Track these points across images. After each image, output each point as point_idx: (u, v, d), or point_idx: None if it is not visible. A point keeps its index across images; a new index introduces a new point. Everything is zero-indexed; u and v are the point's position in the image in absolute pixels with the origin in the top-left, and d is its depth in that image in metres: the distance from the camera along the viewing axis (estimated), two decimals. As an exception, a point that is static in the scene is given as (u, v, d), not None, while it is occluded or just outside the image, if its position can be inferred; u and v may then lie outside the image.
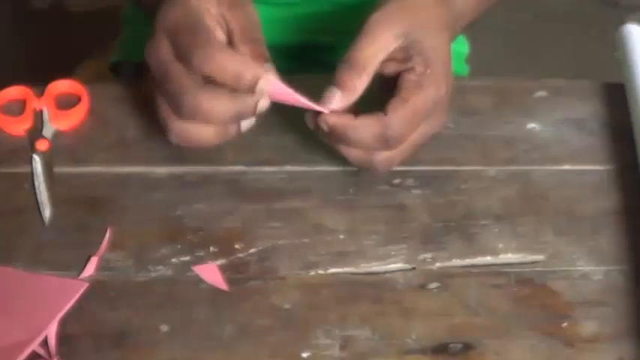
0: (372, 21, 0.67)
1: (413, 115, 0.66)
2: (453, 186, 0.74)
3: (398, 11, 0.67)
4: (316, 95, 0.67)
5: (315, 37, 0.93)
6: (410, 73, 0.66)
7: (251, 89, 0.64)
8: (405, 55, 0.67)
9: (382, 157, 0.68)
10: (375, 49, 0.66)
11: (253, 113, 0.66)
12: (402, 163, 0.70)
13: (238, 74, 0.63)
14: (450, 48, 0.69)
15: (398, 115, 0.65)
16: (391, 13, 0.67)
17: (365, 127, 0.65)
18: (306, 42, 0.94)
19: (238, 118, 0.66)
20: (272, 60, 0.67)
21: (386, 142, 0.66)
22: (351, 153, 0.68)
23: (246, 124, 0.67)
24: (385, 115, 0.65)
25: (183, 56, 0.64)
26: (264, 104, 0.65)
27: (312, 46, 0.93)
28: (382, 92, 0.68)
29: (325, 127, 0.66)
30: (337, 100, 0.66)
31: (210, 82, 0.64)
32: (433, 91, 0.67)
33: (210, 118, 0.65)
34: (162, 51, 0.66)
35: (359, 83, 0.66)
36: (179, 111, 0.65)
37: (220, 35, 0.67)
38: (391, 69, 0.68)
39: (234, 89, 0.64)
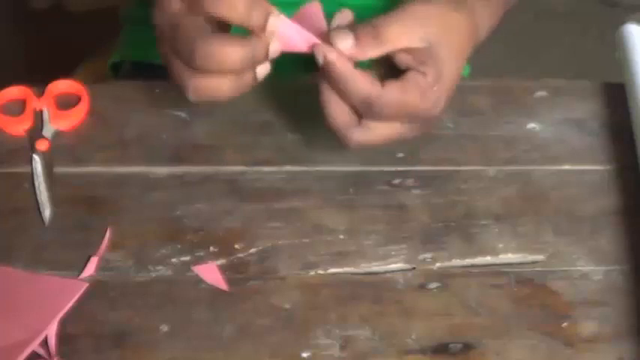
0: (411, 10, 0.66)
1: (404, 107, 0.66)
2: (453, 186, 0.74)
3: (436, 17, 0.67)
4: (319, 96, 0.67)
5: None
6: (420, 76, 0.66)
7: (261, 27, 0.63)
8: (421, 57, 0.66)
9: (357, 135, 0.67)
10: (400, 33, 0.66)
11: (266, 57, 0.65)
12: (368, 148, 0.69)
13: (248, 11, 0.63)
14: (461, 72, 0.69)
15: (392, 95, 0.65)
16: (430, 14, 0.67)
17: (359, 82, 0.64)
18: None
19: (251, 62, 0.64)
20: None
21: (369, 107, 0.65)
22: (335, 111, 0.66)
23: (262, 70, 0.66)
24: (383, 86, 0.65)
25: (193, 6, 0.64)
26: (275, 47, 0.65)
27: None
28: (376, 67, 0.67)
29: (322, 59, 0.65)
30: (346, 43, 0.65)
31: (221, 28, 0.64)
32: (429, 107, 0.66)
33: (223, 65, 0.64)
34: (172, 7, 0.65)
35: (371, 51, 0.65)
36: (192, 62, 0.64)
37: None
38: (404, 60, 0.66)
39: (246, 28, 0.64)
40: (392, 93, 0.65)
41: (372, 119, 0.66)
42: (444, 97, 0.67)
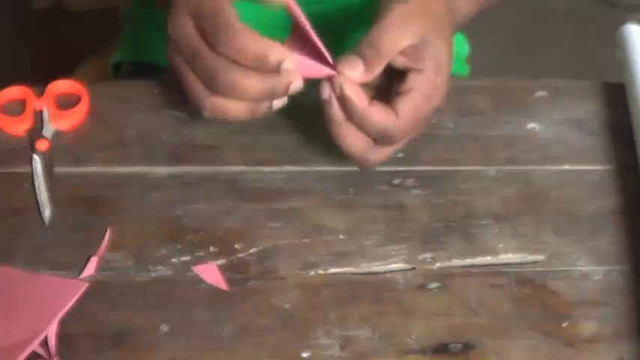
0: (394, 11, 0.67)
1: (417, 120, 0.68)
2: (453, 186, 0.74)
3: (418, 10, 0.68)
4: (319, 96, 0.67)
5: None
6: (422, 76, 0.67)
7: (275, 70, 0.64)
8: (415, 53, 0.67)
9: (377, 155, 0.69)
10: (395, 39, 0.67)
11: (285, 93, 0.66)
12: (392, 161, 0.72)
13: (261, 57, 0.64)
14: (452, 57, 0.70)
15: (406, 117, 0.67)
16: (412, 9, 0.68)
17: (377, 116, 0.66)
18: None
19: (271, 96, 0.66)
20: None
21: (388, 138, 0.67)
22: (351, 141, 0.68)
23: (278, 102, 0.68)
24: (396, 113, 0.66)
25: (208, 40, 0.65)
26: (297, 85, 0.66)
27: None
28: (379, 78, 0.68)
29: (338, 92, 0.66)
30: (358, 71, 0.66)
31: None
32: (437, 102, 0.68)
33: (244, 95, 0.65)
34: (188, 31, 0.66)
35: (378, 66, 0.67)
36: (215, 87, 0.65)
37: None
38: (400, 62, 0.68)
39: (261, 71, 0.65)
40: (406, 115, 0.67)
41: (393, 144, 0.69)
42: (445, 84, 0.69)
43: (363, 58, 0.66)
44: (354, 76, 0.66)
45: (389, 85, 0.69)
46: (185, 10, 0.66)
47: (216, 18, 0.64)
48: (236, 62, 0.64)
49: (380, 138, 0.68)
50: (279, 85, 0.65)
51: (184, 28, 0.66)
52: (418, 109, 0.67)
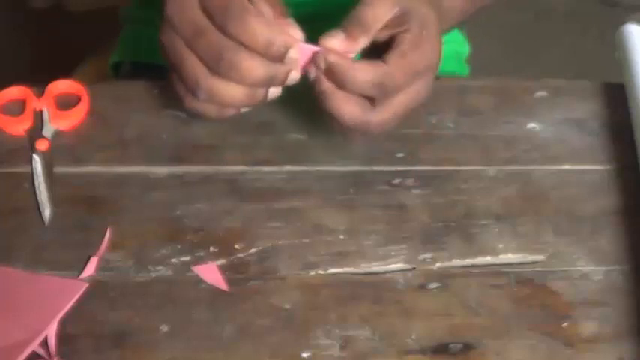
0: None
1: (410, 68, 0.67)
2: (453, 186, 0.74)
3: None
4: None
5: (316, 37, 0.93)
6: (407, 34, 0.67)
7: (281, 57, 0.65)
8: (398, 21, 0.68)
9: (378, 116, 0.68)
10: (379, 13, 0.67)
11: (284, 81, 0.67)
12: (391, 127, 0.70)
13: (269, 42, 0.64)
14: (437, 21, 0.70)
15: (397, 65, 0.66)
16: None
17: (364, 71, 0.66)
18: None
19: (270, 82, 0.66)
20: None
21: (384, 89, 0.66)
22: (347, 108, 0.67)
23: (274, 92, 0.68)
24: (385, 63, 0.66)
25: (216, 21, 0.65)
26: (295, 76, 0.67)
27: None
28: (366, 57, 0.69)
29: (323, 64, 0.66)
30: (337, 40, 0.67)
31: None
32: (429, 53, 0.68)
33: (246, 78, 0.65)
34: (194, 9, 0.66)
35: (362, 40, 0.67)
36: (217, 66, 0.65)
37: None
38: (385, 34, 0.68)
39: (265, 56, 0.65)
40: (396, 64, 0.66)
41: (387, 98, 0.67)
42: (435, 39, 0.69)
43: (345, 30, 0.67)
44: (335, 45, 0.66)
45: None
46: None
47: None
48: (243, 45, 0.64)
49: (375, 93, 0.66)
50: (281, 72, 0.66)
51: (188, 6, 0.66)
52: (408, 57, 0.66)
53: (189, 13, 0.66)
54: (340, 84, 0.66)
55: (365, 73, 0.66)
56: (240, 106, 0.68)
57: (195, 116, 0.76)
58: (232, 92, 0.66)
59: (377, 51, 0.68)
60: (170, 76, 0.69)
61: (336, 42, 0.67)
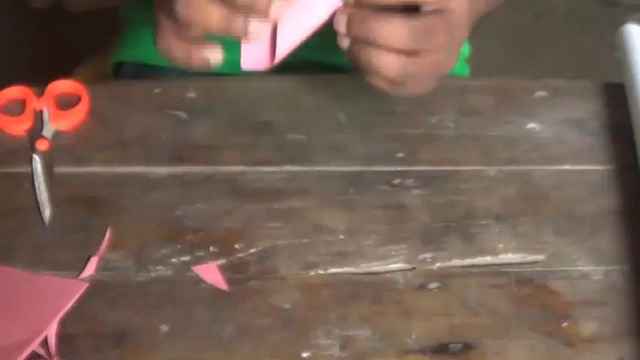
0: None
1: (439, 26, 0.65)
2: (453, 186, 0.74)
3: None
4: (319, 96, 0.67)
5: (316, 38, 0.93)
6: (443, 2, 0.66)
7: (265, 11, 0.63)
8: None
9: (414, 66, 0.66)
10: None
11: (266, 12, 0.63)
12: (393, 128, 0.70)
13: None
14: (467, 13, 0.69)
15: (436, 19, 0.65)
16: None
17: (400, 23, 0.64)
18: (306, 42, 0.93)
19: (250, 5, 0.63)
20: None
21: (423, 41, 0.65)
22: (383, 58, 0.65)
23: (255, 29, 0.64)
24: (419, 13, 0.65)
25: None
26: (278, 7, 0.63)
27: (312, 47, 0.93)
28: None
29: (351, 21, 0.64)
30: None
31: None
32: (457, 13, 0.66)
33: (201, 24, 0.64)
34: None
35: None
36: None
37: None
38: None
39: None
40: (434, 17, 0.65)
41: (427, 51, 0.66)
42: (466, 23, 0.68)
43: None
44: None
45: None
46: None
47: None
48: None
49: (413, 44, 0.65)
50: (238, 27, 0.63)
51: None
52: (444, 13, 0.65)
53: None
54: (371, 39, 0.65)
55: (401, 26, 0.64)
56: (214, 31, 0.64)
57: (195, 116, 0.76)
58: (209, 10, 0.63)
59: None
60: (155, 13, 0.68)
61: None
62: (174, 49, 0.68)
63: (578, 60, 1.92)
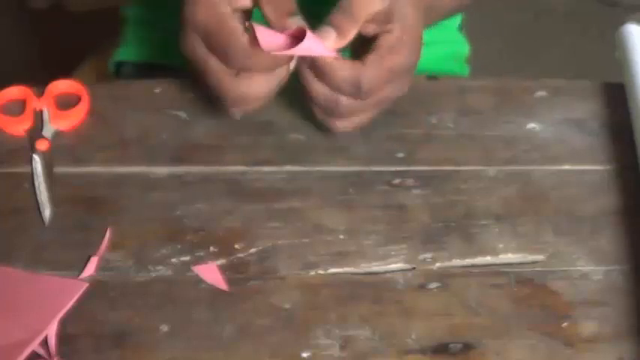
0: None
1: (385, 72, 0.69)
2: (453, 186, 0.74)
3: None
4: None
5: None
6: (388, 35, 0.69)
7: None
8: (385, 18, 0.69)
9: (347, 102, 0.70)
10: (367, 8, 0.69)
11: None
12: (364, 126, 0.72)
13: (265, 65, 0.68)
14: (421, 20, 0.72)
15: (374, 69, 0.68)
16: None
17: (343, 67, 0.68)
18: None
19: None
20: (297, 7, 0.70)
21: (357, 89, 0.68)
22: (320, 88, 0.69)
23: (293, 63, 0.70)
24: (363, 63, 0.68)
25: (219, 57, 0.68)
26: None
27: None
28: (353, 50, 0.71)
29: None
30: (332, 40, 0.68)
31: None
32: (405, 56, 0.70)
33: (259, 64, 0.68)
34: (198, 49, 0.69)
35: (352, 31, 0.69)
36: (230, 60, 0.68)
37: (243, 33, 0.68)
38: (371, 29, 0.70)
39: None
40: (373, 67, 0.69)
41: (364, 98, 0.69)
42: (414, 43, 0.71)
43: (336, 26, 0.68)
44: (330, 45, 0.68)
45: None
46: (192, 31, 0.69)
47: (223, 37, 0.67)
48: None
49: (351, 90, 0.68)
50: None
51: (194, 48, 0.69)
52: (385, 60, 0.69)
53: (194, 52, 0.69)
54: (320, 76, 0.69)
55: (343, 69, 0.68)
56: (272, 90, 0.70)
57: (195, 116, 0.76)
58: (256, 85, 0.69)
59: (363, 44, 0.70)
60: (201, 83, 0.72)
61: (329, 43, 0.68)
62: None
63: (578, 60, 1.92)
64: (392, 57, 0.69)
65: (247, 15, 0.71)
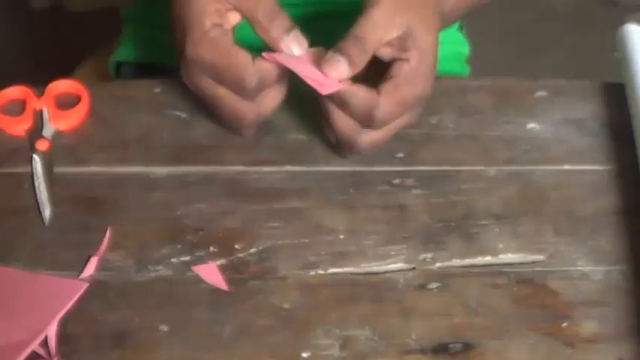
0: (379, 3, 0.68)
1: (401, 104, 0.69)
2: (453, 186, 0.74)
3: (404, 0, 0.69)
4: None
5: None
6: (405, 64, 0.69)
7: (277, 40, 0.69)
8: (401, 44, 0.69)
9: (367, 136, 0.70)
10: (381, 32, 0.68)
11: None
12: (379, 147, 0.72)
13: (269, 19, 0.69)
14: (438, 46, 0.71)
15: (389, 99, 0.68)
16: (397, 0, 0.69)
17: (359, 93, 0.68)
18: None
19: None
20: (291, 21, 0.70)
21: (371, 119, 0.68)
22: (342, 122, 0.69)
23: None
24: (378, 93, 0.68)
25: (231, 89, 0.69)
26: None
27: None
28: (367, 71, 0.70)
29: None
30: (344, 70, 0.68)
31: None
32: (421, 88, 0.69)
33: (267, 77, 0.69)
34: (207, 84, 0.70)
35: (363, 60, 0.68)
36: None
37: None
38: (386, 54, 0.69)
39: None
40: (389, 98, 0.68)
41: (378, 127, 0.69)
42: (430, 72, 0.70)
43: (348, 55, 0.67)
44: (339, 75, 0.68)
45: (375, 75, 0.70)
46: (196, 67, 0.69)
47: (231, 71, 0.68)
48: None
49: (365, 119, 0.68)
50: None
51: (200, 83, 0.70)
52: (400, 91, 0.68)
53: (201, 87, 0.70)
54: (338, 104, 0.68)
55: (360, 96, 0.67)
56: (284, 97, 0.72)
57: (195, 116, 0.76)
58: (270, 100, 0.71)
59: (375, 64, 0.69)
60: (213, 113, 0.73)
61: (339, 73, 0.67)
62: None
63: (578, 60, 1.92)
64: (408, 88, 0.68)
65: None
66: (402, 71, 0.68)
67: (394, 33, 0.68)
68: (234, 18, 0.70)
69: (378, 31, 0.68)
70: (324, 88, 0.68)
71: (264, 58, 0.68)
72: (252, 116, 0.71)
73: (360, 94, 0.67)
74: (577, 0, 2.09)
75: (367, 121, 0.68)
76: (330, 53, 0.68)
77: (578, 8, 2.07)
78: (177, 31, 0.70)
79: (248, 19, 0.69)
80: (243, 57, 0.68)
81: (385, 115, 0.68)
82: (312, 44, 0.70)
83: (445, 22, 0.76)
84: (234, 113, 0.70)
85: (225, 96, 0.69)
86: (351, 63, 0.67)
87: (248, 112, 0.70)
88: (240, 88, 0.68)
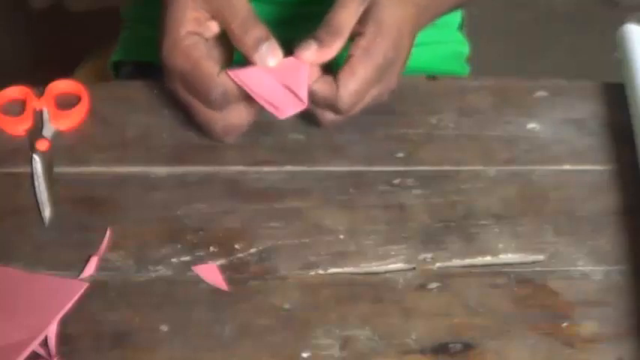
0: None
1: (362, 86, 0.69)
2: (453, 186, 0.74)
3: None
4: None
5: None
6: (361, 39, 0.69)
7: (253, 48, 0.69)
8: (362, 18, 0.69)
9: (330, 117, 0.71)
10: (348, 14, 0.69)
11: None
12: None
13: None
14: (411, 21, 0.71)
15: (347, 90, 0.68)
16: None
17: (318, 95, 0.69)
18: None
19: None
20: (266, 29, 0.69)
21: (336, 111, 0.69)
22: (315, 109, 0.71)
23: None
24: (337, 84, 0.68)
25: (199, 99, 0.70)
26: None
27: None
28: None
29: None
30: (312, 51, 0.68)
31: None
32: (381, 59, 0.69)
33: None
34: (180, 91, 0.71)
35: (335, 45, 0.68)
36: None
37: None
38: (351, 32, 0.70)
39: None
40: (347, 88, 0.68)
41: (345, 115, 0.70)
42: (393, 40, 0.70)
43: (318, 38, 0.68)
44: (309, 56, 0.68)
45: None
46: (172, 74, 0.70)
47: (198, 83, 0.68)
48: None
49: (330, 110, 0.70)
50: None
51: (176, 90, 0.71)
52: (357, 73, 0.68)
53: (177, 92, 0.71)
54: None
55: (318, 98, 0.69)
56: (257, 111, 0.72)
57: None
58: (239, 114, 0.71)
59: None
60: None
61: (310, 53, 0.68)
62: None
63: (578, 60, 1.92)
64: (366, 64, 0.68)
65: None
66: (358, 47, 0.69)
67: (360, 9, 0.69)
68: (215, 27, 0.70)
69: (344, 12, 0.68)
70: (281, 112, 0.69)
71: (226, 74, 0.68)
72: (222, 126, 0.71)
73: (319, 94, 0.68)
74: (577, 0, 2.08)
75: (332, 110, 0.70)
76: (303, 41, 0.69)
77: (578, 8, 2.07)
78: (159, 34, 0.70)
79: (224, 29, 0.69)
80: (209, 68, 0.68)
81: (347, 105, 0.69)
82: (295, 43, 0.69)
83: (426, 12, 0.75)
84: (205, 121, 0.71)
85: (195, 104, 0.70)
86: (322, 46, 0.68)
87: (216, 121, 0.71)
88: (205, 99, 0.69)
